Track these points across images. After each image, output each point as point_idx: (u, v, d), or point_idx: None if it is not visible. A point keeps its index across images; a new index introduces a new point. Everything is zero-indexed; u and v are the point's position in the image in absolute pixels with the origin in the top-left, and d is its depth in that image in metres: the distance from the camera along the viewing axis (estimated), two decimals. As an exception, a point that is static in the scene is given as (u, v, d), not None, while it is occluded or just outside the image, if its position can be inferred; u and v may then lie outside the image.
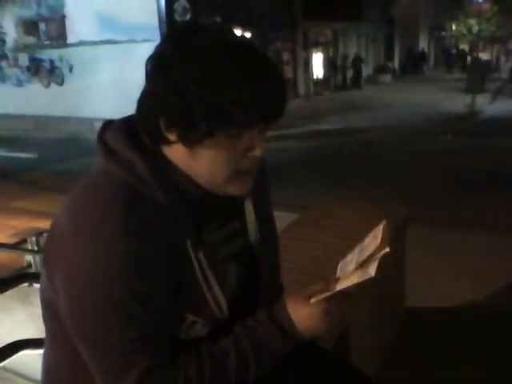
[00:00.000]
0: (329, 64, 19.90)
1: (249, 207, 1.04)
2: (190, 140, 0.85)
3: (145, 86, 0.87)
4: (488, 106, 16.14)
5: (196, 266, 0.90)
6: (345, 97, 18.83)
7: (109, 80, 12.82)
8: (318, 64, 20.71)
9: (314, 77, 20.17)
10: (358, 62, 21.87)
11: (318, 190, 6.58)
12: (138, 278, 0.84)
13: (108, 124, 0.95)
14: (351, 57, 21.95)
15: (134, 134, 0.90)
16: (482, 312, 3.43)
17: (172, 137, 0.86)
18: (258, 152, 0.89)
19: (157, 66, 0.85)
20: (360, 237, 1.02)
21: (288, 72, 16.79)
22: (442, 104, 15.93)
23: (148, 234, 0.84)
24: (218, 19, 14.24)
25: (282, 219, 3.14)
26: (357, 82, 21.45)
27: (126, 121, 0.94)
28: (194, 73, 0.81)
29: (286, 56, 18.17)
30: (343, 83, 21.56)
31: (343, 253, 1.04)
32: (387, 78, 23.00)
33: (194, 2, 12.71)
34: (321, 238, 2.20)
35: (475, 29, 26.65)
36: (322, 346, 1.25)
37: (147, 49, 0.90)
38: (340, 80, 21.57)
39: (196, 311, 0.93)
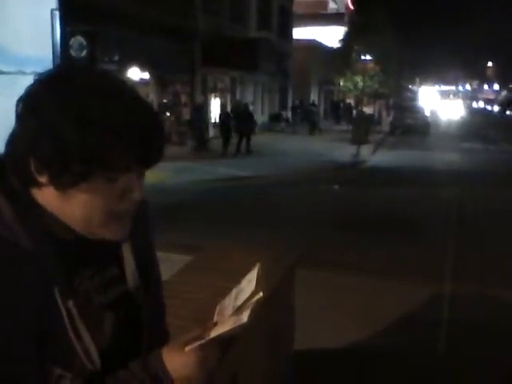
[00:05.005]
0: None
1: (127, 252, 1.00)
2: (63, 183, 0.82)
3: (15, 127, 0.84)
4: (371, 156, 17.50)
5: (64, 315, 0.86)
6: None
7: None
8: (215, 109, 21.20)
9: (212, 120, 20.58)
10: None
11: (210, 233, 6.60)
12: None
13: None
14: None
15: (1, 174, 0.86)
16: (365, 354, 3.61)
17: (43, 179, 0.82)
18: (136, 195, 0.87)
19: (29, 106, 0.82)
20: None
21: (186, 114, 16.94)
22: (331, 153, 16.98)
23: (5, 281, 0.80)
24: (116, 58, 14.10)
25: (176, 262, 3.12)
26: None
27: None
28: (69, 115, 0.78)
29: (184, 98, 18.38)
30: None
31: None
32: (281, 126, 24.06)
33: (91, 38, 12.48)
34: (213, 282, 2.20)
35: (360, 85, 29.08)
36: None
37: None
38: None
39: (63, 364, 0.87)
